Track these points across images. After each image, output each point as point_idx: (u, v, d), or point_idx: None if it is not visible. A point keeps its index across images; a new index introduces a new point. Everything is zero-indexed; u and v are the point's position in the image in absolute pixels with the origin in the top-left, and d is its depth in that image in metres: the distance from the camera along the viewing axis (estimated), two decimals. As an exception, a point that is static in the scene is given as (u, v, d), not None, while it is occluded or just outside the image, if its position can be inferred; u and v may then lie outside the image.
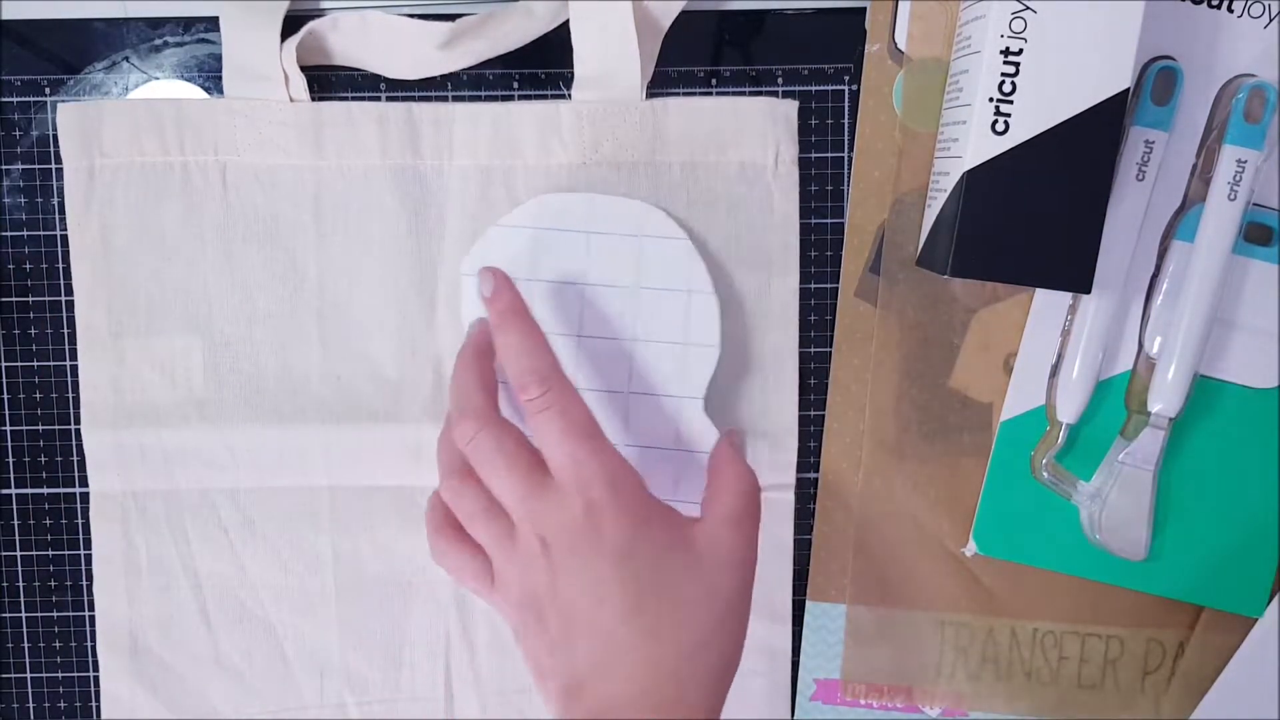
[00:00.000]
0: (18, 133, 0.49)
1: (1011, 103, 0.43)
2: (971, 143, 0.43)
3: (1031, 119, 0.43)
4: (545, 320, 0.47)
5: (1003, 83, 0.43)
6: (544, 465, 0.41)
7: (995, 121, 0.43)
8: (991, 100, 0.43)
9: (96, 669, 0.51)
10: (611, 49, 0.47)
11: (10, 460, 0.50)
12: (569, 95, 0.49)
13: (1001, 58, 0.43)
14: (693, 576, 0.41)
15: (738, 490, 0.43)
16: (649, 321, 0.48)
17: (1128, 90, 0.42)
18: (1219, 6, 0.46)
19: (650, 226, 0.48)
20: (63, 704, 0.51)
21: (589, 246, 0.48)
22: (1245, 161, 0.46)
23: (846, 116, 0.49)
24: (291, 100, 0.48)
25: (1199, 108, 0.47)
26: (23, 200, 0.49)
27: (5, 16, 0.48)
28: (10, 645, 0.51)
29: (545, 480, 0.41)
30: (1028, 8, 0.42)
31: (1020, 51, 0.42)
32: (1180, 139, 0.47)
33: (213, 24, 0.48)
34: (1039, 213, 0.43)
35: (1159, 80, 0.46)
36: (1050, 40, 0.42)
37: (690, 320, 0.48)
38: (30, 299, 0.50)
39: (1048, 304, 0.49)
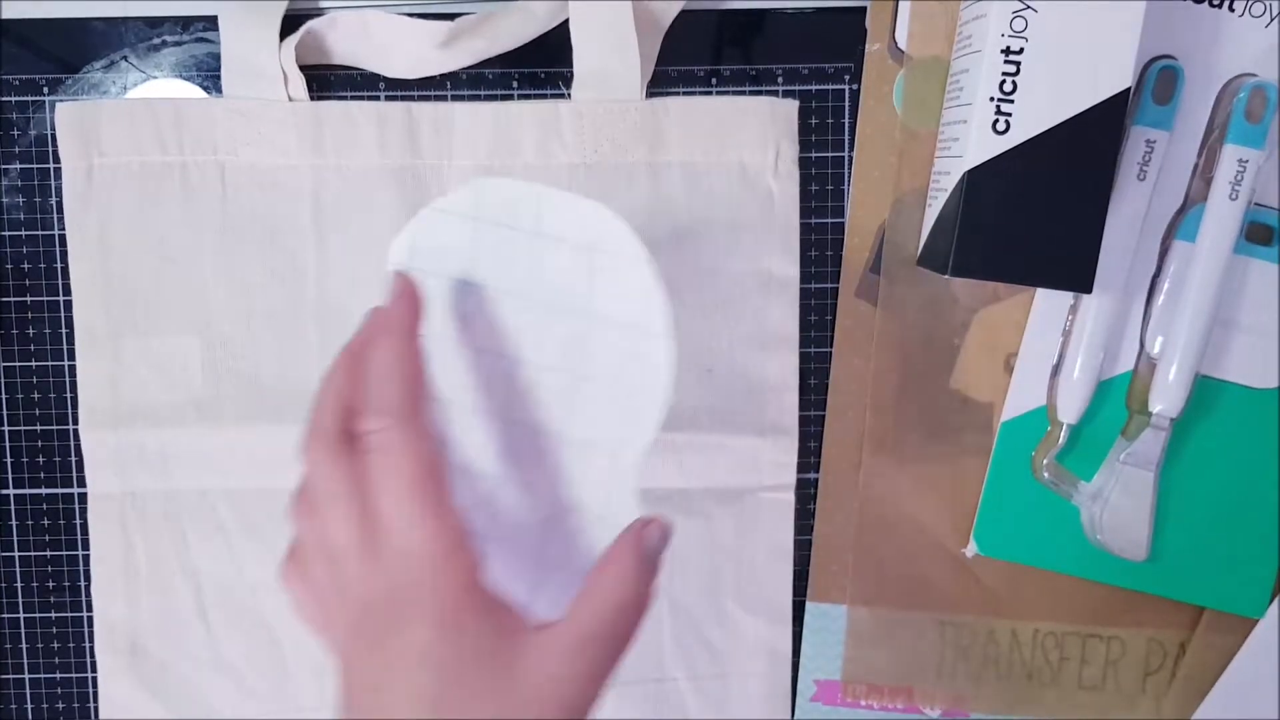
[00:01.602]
0: (16, 132, 0.49)
1: (1012, 102, 0.43)
2: (972, 142, 0.43)
3: (1032, 118, 0.43)
4: (476, 334, 0.40)
5: (1003, 82, 0.43)
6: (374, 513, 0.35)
7: (996, 121, 0.43)
8: (992, 100, 0.43)
9: (95, 670, 0.51)
10: (611, 48, 0.47)
11: (9, 460, 0.50)
12: (569, 95, 0.49)
13: (1002, 57, 0.42)
14: (503, 692, 0.33)
15: (613, 589, 0.35)
16: (593, 357, 0.39)
17: (1129, 90, 0.42)
18: (1220, 6, 0.46)
19: (609, 240, 0.38)
20: (61, 705, 0.51)
21: (534, 252, 0.39)
22: (1246, 161, 0.46)
23: (846, 116, 0.49)
24: (290, 100, 0.48)
25: (1200, 107, 0.47)
26: (21, 200, 0.49)
27: (4, 16, 0.48)
28: (9, 646, 0.51)
29: (372, 535, 0.34)
30: (1028, 7, 0.42)
31: (1021, 51, 0.42)
32: (1181, 139, 0.47)
33: (211, 23, 0.48)
34: (1040, 212, 0.43)
35: (1160, 80, 0.46)
36: (1051, 39, 0.42)
37: (641, 365, 0.38)
38: (29, 299, 0.50)
39: (1049, 304, 0.48)
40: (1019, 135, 0.43)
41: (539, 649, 0.34)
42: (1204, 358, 0.48)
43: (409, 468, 0.34)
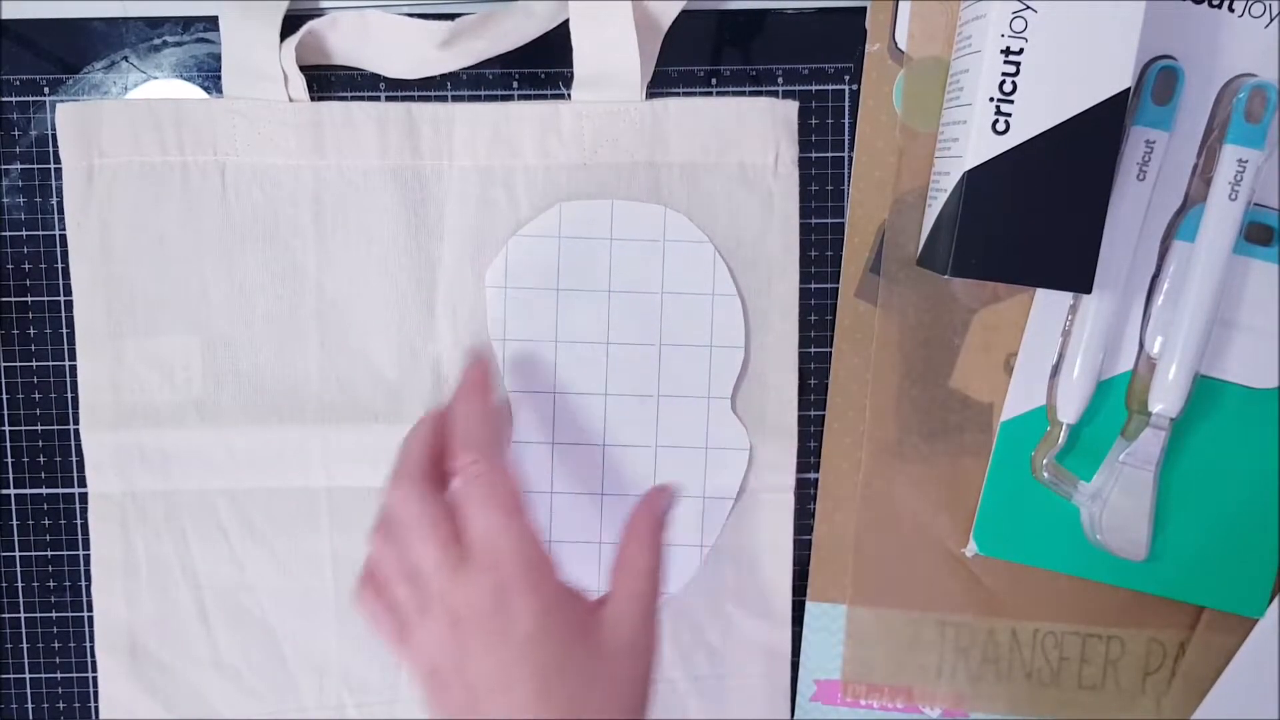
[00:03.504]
0: (17, 132, 0.49)
1: (1012, 102, 0.43)
2: (972, 142, 0.43)
3: (1032, 119, 0.43)
4: (574, 329, 0.49)
5: (1003, 82, 0.43)
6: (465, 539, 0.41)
7: (996, 121, 0.43)
8: (992, 100, 0.43)
9: (95, 669, 0.51)
10: (611, 49, 0.47)
11: (10, 460, 0.50)
12: (569, 95, 0.49)
13: (1002, 57, 0.42)
14: (599, 662, 0.40)
15: (639, 566, 0.43)
16: (675, 326, 0.49)
17: (1128, 90, 0.42)
18: (1220, 6, 0.46)
19: (672, 231, 0.48)
20: (61, 704, 0.51)
21: (612, 253, 0.48)
22: (1246, 161, 0.46)
23: (846, 116, 0.49)
24: (291, 100, 0.48)
25: (1200, 107, 0.47)
26: (22, 200, 0.49)
27: (5, 16, 0.48)
28: (9, 646, 0.51)
29: (461, 554, 0.40)
30: (1028, 7, 0.42)
31: (1021, 51, 0.42)
32: (1181, 139, 0.47)
33: (212, 23, 0.48)
34: (1039, 212, 0.43)
35: (1160, 80, 0.46)
36: (1051, 40, 0.42)
37: (715, 323, 0.49)
38: (30, 299, 0.50)
39: (1048, 304, 0.49)
40: (1019, 136, 0.43)
41: (610, 614, 0.41)
42: (1204, 358, 0.48)
43: (499, 490, 0.41)
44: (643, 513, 0.45)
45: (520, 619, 0.39)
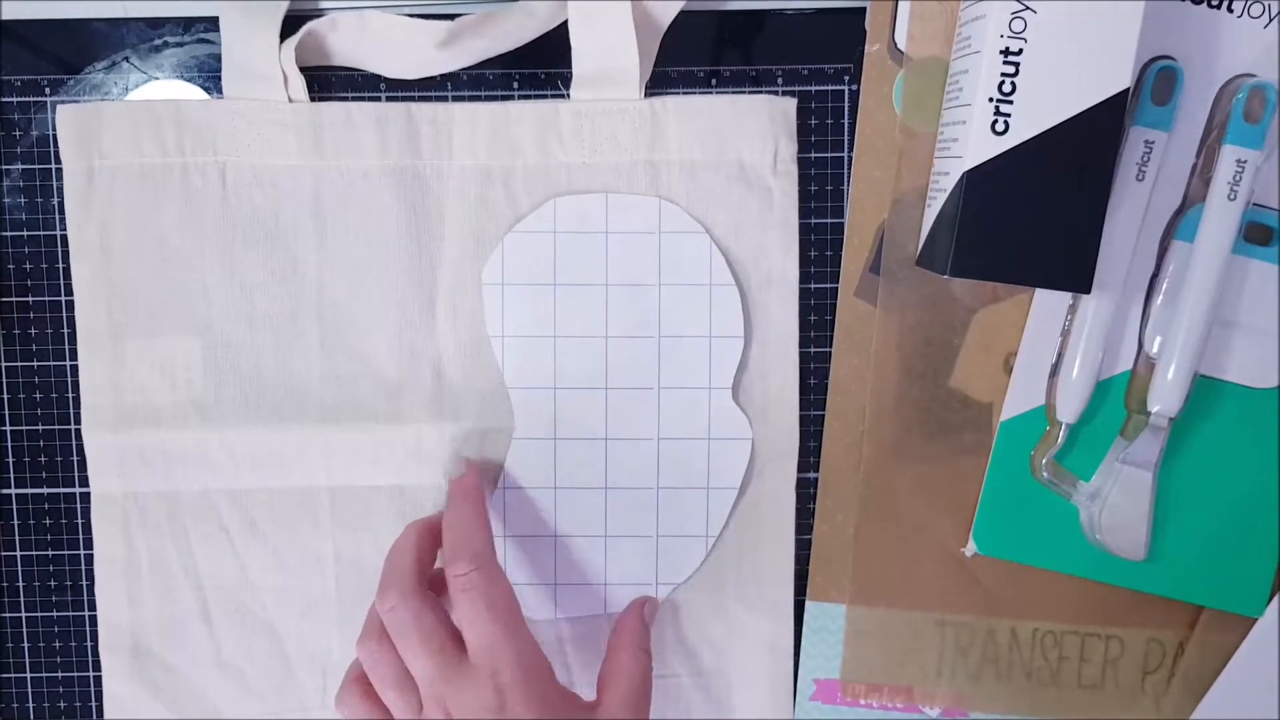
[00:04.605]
0: (18, 133, 0.49)
1: (1011, 103, 0.43)
2: (971, 143, 0.43)
3: (1031, 119, 0.43)
4: (572, 324, 0.49)
5: (1003, 83, 0.43)
6: (459, 646, 0.43)
7: (995, 121, 0.43)
8: (991, 100, 0.43)
9: (97, 669, 0.51)
10: (610, 48, 0.47)
11: (10, 460, 0.50)
12: (568, 95, 0.49)
13: (1001, 58, 0.42)
14: None
15: (632, 674, 0.46)
16: (673, 317, 0.49)
17: (1128, 90, 0.42)
18: (1219, 6, 0.46)
19: (667, 222, 0.48)
20: (63, 704, 0.52)
21: (608, 246, 0.48)
22: (1245, 161, 0.46)
23: (846, 116, 0.49)
24: (291, 101, 0.48)
25: (1199, 107, 0.47)
26: (22, 200, 0.49)
27: (5, 16, 0.48)
28: (10, 645, 0.51)
29: (458, 662, 0.42)
30: (1027, 8, 0.42)
31: (1020, 51, 0.42)
32: (1180, 139, 0.47)
33: (212, 24, 0.48)
34: (1039, 213, 0.43)
35: (1159, 80, 0.46)
36: (1050, 40, 0.42)
37: (714, 313, 0.49)
38: (30, 299, 0.50)
39: (1048, 304, 0.49)
40: (1018, 136, 0.43)
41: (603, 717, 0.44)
42: (1203, 357, 0.48)
43: (500, 598, 0.43)
44: (630, 622, 0.48)
45: None
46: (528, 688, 0.42)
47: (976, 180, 0.43)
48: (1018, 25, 0.42)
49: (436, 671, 0.42)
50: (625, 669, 0.46)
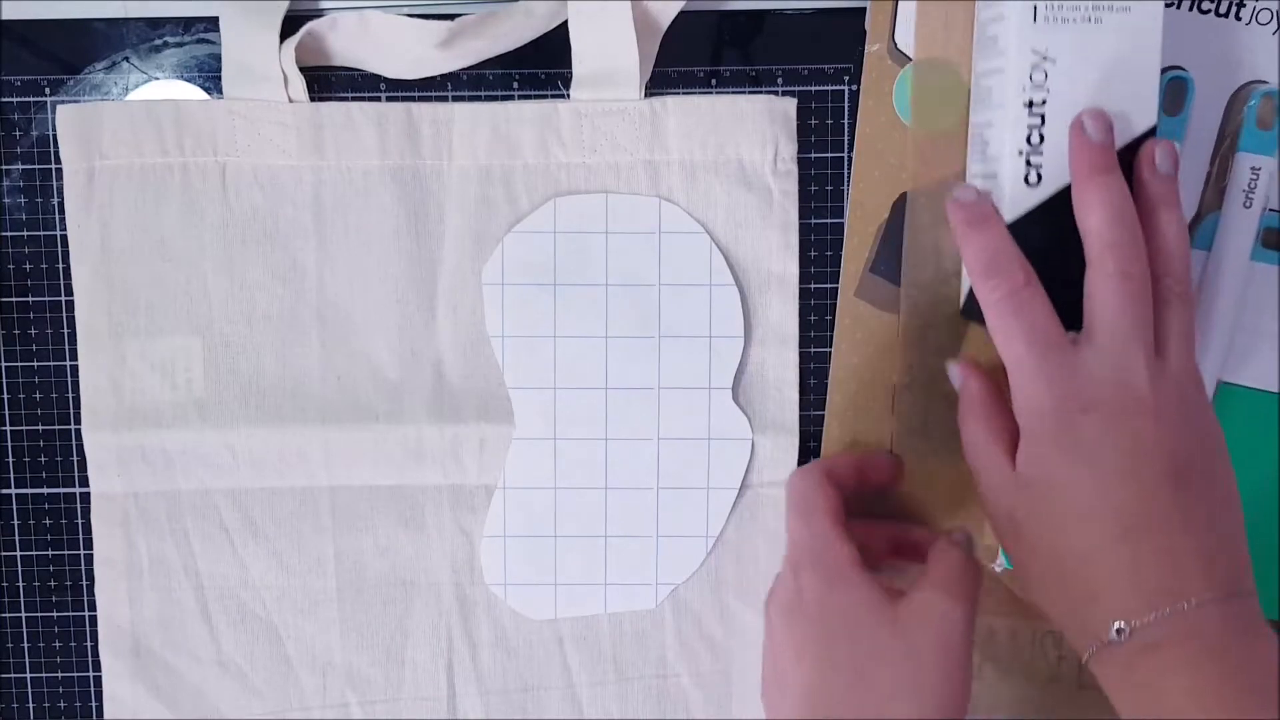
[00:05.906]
0: (18, 133, 0.49)
1: (1041, 154, 0.42)
2: (1006, 198, 0.43)
3: (1063, 167, 0.42)
4: (572, 324, 0.49)
5: (1030, 135, 0.42)
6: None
7: (1027, 174, 0.42)
8: (1021, 153, 0.42)
9: (97, 669, 0.51)
10: (610, 48, 0.47)
11: (10, 460, 0.50)
12: (568, 95, 0.49)
13: (1026, 110, 0.42)
14: (897, 641, 0.43)
15: (954, 565, 0.45)
16: (673, 317, 0.49)
17: (1154, 127, 0.42)
18: (1226, 15, 0.46)
19: (667, 222, 0.48)
20: (63, 704, 0.52)
21: (608, 246, 0.48)
22: (1259, 168, 0.46)
23: (846, 116, 0.49)
24: (291, 101, 0.48)
25: (1211, 116, 0.47)
26: (23, 200, 0.49)
27: (5, 16, 0.48)
28: (10, 645, 0.51)
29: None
30: (1046, 59, 0.42)
31: (1044, 102, 0.42)
32: (1193, 148, 0.47)
33: (212, 24, 0.48)
34: (1072, 257, 0.42)
35: (1170, 91, 0.46)
36: (1073, 88, 0.42)
37: (713, 313, 0.49)
38: (30, 299, 0.50)
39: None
40: (1051, 186, 0.42)
41: (913, 597, 0.44)
42: (1225, 365, 0.47)
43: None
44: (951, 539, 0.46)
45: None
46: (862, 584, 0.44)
47: (1017, 233, 0.42)
48: (1039, 77, 0.42)
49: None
50: (947, 559, 0.45)
